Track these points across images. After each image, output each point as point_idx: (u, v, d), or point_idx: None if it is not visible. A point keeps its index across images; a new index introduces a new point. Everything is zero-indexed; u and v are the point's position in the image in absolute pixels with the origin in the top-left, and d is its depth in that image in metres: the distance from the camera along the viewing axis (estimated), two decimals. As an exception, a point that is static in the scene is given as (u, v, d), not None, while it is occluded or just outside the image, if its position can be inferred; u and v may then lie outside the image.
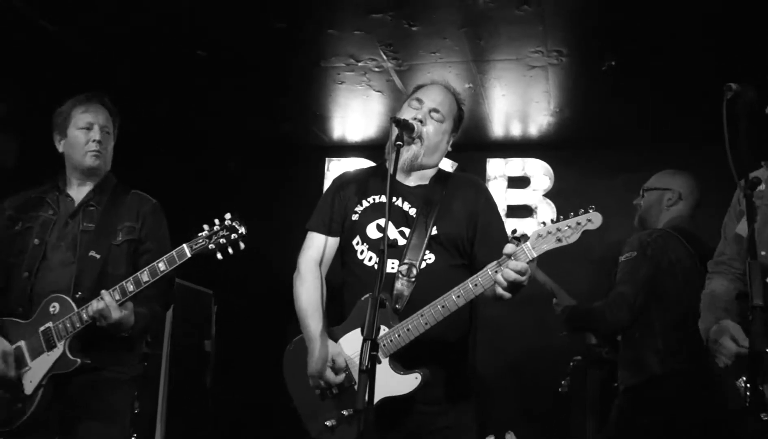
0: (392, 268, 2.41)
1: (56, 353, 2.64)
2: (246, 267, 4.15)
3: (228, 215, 2.61)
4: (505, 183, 5.29)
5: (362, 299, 2.40)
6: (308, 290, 2.54)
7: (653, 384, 3.07)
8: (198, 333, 5.17)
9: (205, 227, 2.61)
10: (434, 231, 2.45)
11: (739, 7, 3.39)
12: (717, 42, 3.70)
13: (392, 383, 2.26)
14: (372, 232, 2.51)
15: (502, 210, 5.03)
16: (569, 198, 5.16)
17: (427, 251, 2.44)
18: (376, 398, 2.05)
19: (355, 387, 2.21)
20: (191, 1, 3.63)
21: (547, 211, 5.18)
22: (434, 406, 2.37)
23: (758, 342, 1.80)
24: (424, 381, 2.25)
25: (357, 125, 5.30)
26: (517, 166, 5.32)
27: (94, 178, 2.92)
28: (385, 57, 4.17)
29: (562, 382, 4.37)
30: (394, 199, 2.53)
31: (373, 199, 2.57)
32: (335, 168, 5.58)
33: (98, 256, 2.76)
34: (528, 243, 2.15)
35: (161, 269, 2.62)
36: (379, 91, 4.66)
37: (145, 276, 2.62)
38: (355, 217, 2.56)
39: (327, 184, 5.48)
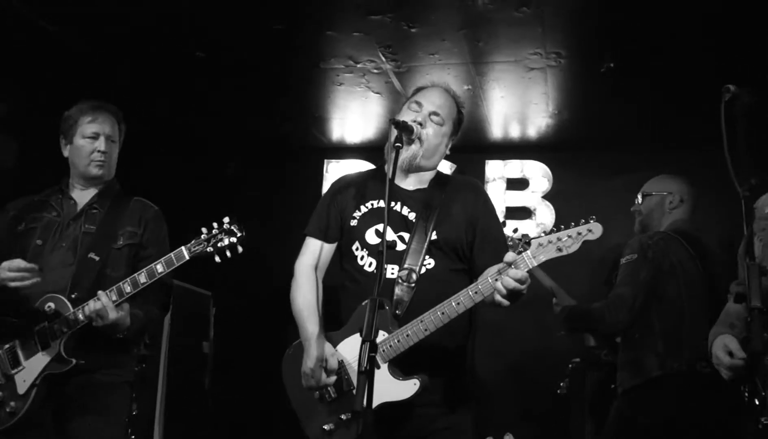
0: (392, 273, 2.41)
1: (51, 352, 2.65)
2: (245, 269, 4.13)
3: (227, 219, 2.62)
4: (504, 185, 5.29)
5: (362, 304, 2.39)
6: (304, 294, 2.55)
7: (652, 386, 3.08)
8: (196, 335, 5.16)
9: (204, 230, 2.62)
10: (434, 236, 2.45)
11: (739, 9, 3.39)
12: (716, 43, 3.70)
13: (391, 388, 2.26)
14: (371, 237, 2.50)
15: (500, 212, 5.05)
16: (568, 200, 5.16)
17: (427, 256, 2.44)
18: (375, 403, 2.06)
19: (354, 391, 2.22)
20: (191, 2, 3.63)
21: (545, 213, 5.18)
22: (432, 409, 2.37)
23: (756, 343, 1.80)
24: (422, 387, 2.26)
25: (356, 127, 5.30)
26: (515, 168, 5.32)
27: (96, 185, 2.95)
28: (384, 58, 4.18)
29: (561, 384, 4.37)
30: (393, 204, 2.52)
31: (372, 204, 2.56)
32: (334, 170, 5.57)
33: (97, 258, 2.77)
34: (528, 252, 2.17)
35: (159, 271, 2.63)
36: (378, 93, 4.66)
37: (142, 277, 2.63)
38: (353, 222, 2.55)
39: (326, 185, 5.49)
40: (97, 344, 2.70)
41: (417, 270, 2.40)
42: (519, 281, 2.12)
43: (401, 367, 2.30)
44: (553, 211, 5.16)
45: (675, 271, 3.16)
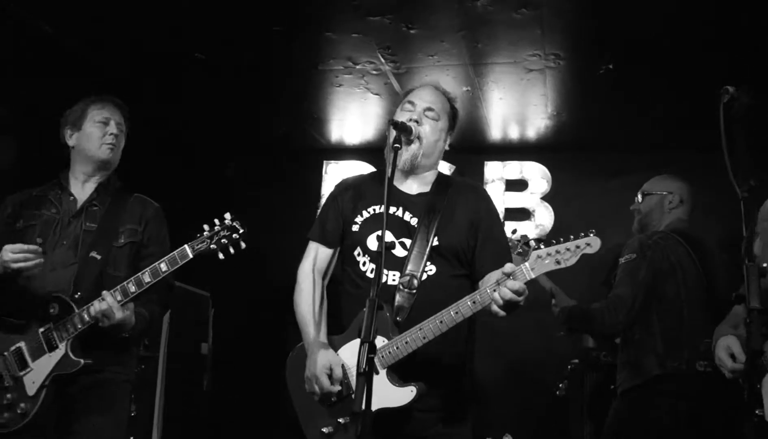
0: (393, 280, 2.42)
1: (58, 353, 2.64)
2: (244, 269, 4.14)
3: (228, 215, 2.63)
4: (503, 186, 5.29)
5: (364, 309, 2.40)
6: (307, 299, 2.55)
7: (652, 386, 3.08)
8: (195, 336, 5.15)
9: (206, 227, 2.63)
10: (435, 242, 2.45)
11: (738, 11, 3.40)
12: (715, 45, 3.71)
13: (389, 394, 2.27)
14: (372, 243, 2.50)
15: (499, 213, 5.04)
16: (567, 201, 5.17)
17: (428, 262, 2.44)
18: (373, 408, 2.07)
19: (353, 396, 2.22)
20: (190, 3, 3.63)
21: (544, 214, 5.18)
22: (431, 414, 2.37)
23: (755, 342, 1.82)
24: (419, 395, 2.27)
25: (355, 128, 5.30)
26: (514, 169, 5.32)
27: (101, 173, 2.94)
28: (383, 60, 4.18)
29: (560, 385, 4.37)
30: (395, 209, 2.53)
31: (374, 210, 2.56)
32: (333, 171, 5.58)
33: (99, 256, 2.77)
34: (527, 264, 2.19)
35: (163, 270, 2.64)
36: (377, 94, 4.66)
37: (147, 277, 2.64)
38: (355, 228, 2.56)
39: (325, 187, 5.50)
40: (102, 344, 2.70)
41: (418, 276, 2.40)
42: (516, 292, 2.13)
43: (400, 373, 2.30)
44: (552, 213, 5.17)
45: (674, 271, 3.16)
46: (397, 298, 2.38)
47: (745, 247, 1.97)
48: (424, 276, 2.42)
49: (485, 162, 5.36)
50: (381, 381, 2.27)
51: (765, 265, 1.95)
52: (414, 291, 2.39)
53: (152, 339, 4.58)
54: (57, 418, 2.68)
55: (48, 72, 4.28)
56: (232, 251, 2.61)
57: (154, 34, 3.97)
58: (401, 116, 2.55)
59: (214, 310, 5.31)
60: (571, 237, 2.19)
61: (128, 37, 4.01)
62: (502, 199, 5.23)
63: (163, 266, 2.64)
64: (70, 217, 2.84)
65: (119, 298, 2.61)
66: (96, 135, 2.89)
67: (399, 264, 2.43)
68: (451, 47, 3.98)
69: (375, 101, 4.77)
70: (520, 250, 3.52)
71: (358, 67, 4.28)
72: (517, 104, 4.71)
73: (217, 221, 2.63)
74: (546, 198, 5.22)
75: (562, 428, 4.53)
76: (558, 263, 2.17)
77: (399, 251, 2.46)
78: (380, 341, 2.29)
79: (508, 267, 2.17)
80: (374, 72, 4.34)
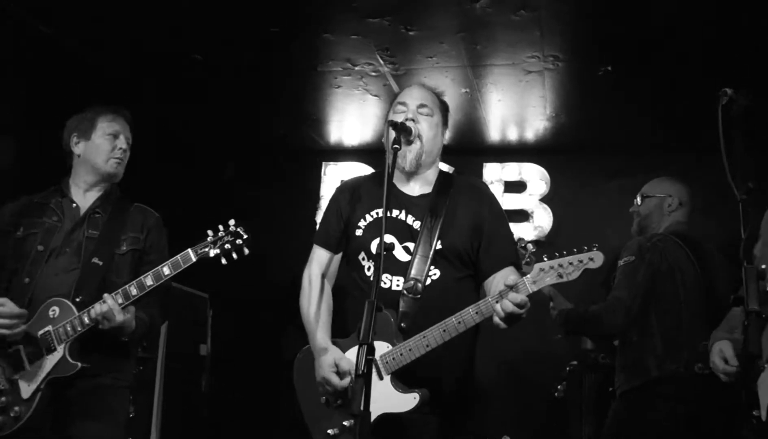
0: (398, 285, 2.42)
1: (56, 356, 2.64)
2: (242, 271, 4.13)
3: (232, 221, 2.65)
4: (502, 188, 5.29)
5: None
6: (312, 303, 2.56)
7: (650, 387, 3.08)
8: (194, 337, 5.15)
9: (210, 232, 2.64)
10: (438, 245, 2.45)
11: (738, 11, 3.40)
12: (714, 47, 3.71)
13: (392, 399, 2.28)
14: (376, 248, 2.49)
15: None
16: (566, 203, 5.17)
17: (432, 267, 2.44)
18: (376, 414, 2.08)
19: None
20: (188, 4, 3.63)
21: (543, 216, 5.18)
22: (432, 417, 2.38)
23: (752, 345, 1.82)
24: (422, 401, 2.28)
25: (354, 129, 5.30)
26: (513, 170, 5.32)
27: (105, 185, 2.94)
28: (381, 61, 4.18)
29: (559, 387, 4.37)
30: (397, 212, 2.53)
31: (376, 213, 2.56)
32: (332, 172, 5.57)
33: (101, 263, 2.76)
34: (529, 276, 2.21)
35: (166, 273, 2.64)
36: (375, 96, 4.66)
37: (149, 280, 2.64)
38: (358, 232, 2.56)
39: (324, 188, 5.50)
40: (101, 348, 2.69)
41: (422, 281, 2.40)
42: (518, 305, 2.15)
43: (404, 378, 2.31)
44: (551, 214, 5.17)
45: (673, 273, 3.17)
46: (402, 304, 2.39)
47: (744, 249, 1.97)
48: (428, 281, 2.43)
49: (484, 163, 5.35)
50: (385, 386, 2.29)
51: (764, 266, 1.95)
52: (418, 296, 2.39)
53: (151, 341, 4.57)
54: (53, 421, 2.67)
55: (48, 72, 4.28)
56: (235, 256, 2.63)
57: (153, 35, 3.97)
58: (396, 118, 2.55)
59: (213, 311, 5.30)
60: (575, 250, 2.20)
61: (128, 37, 4.00)
62: (500, 201, 5.20)
63: (166, 270, 2.65)
64: (73, 225, 2.84)
65: (120, 300, 2.61)
66: (105, 148, 2.89)
67: (403, 269, 2.43)
68: (449, 49, 3.98)
69: (374, 103, 4.77)
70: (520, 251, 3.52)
71: (356, 68, 4.28)
72: (515, 106, 4.71)
73: (221, 227, 2.64)
74: (544, 200, 5.22)
75: (561, 430, 4.53)
76: (560, 276, 2.20)
77: (403, 256, 2.47)
78: (385, 347, 2.31)
79: (511, 279, 2.20)
80: (373, 73, 4.34)
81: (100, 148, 2.89)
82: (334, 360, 2.36)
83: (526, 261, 3.47)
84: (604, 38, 3.77)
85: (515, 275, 2.26)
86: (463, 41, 3.89)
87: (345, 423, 2.36)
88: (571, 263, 2.19)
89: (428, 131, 2.55)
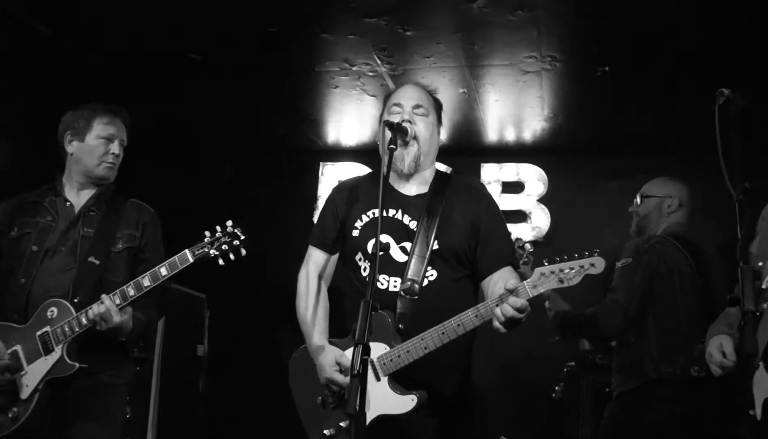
0: (395, 286, 2.41)
1: (54, 357, 2.64)
2: (239, 271, 4.13)
3: (230, 222, 2.64)
4: (500, 188, 5.28)
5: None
6: (308, 305, 2.55)
7: (647, 389, 3.07)
8: (191, 338, 5.14)
9: (207, 233, 2.63)
10: (435, 246, 2.44)
11: (738, 11, 3.39)
12: (714, 47, 3.71)
13: (390, 401, 2.28)
14: (372, 248, 2.49)
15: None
16: (563, 203, 5.17)
17: (429, 267, 2.43)
18: (373, 415, 2.07)
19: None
20: (188, 4, 3.62)
21: (541, 216, 5.18)
22: (430, 419, 2.37)
23: (749, 345, 1.82)
24: (420, 403, 2.27)
25: (351, 129, 5.30)
26: (511, 171, 5.31)
27: (97, 186, 2.93)
28: (379, 61, 4.18)
29: (556, 388, 4.37)
30: (394, 211, 2.52)
31: (373, 213, 2.55)
32: (330, 173, 5.57)
33: (97, 262, 2.76)
34: (530, 280, 2.20)
35: (163, 274, 2.64)
36: (373, 96, 4.66)
37: (146, 281, 2.63)
38: (355, 233, 2.55)
39: (321, 188, 5.49)
40: (99, 348, 2.69)
41: (419, 282, 2.39)
42: (518, 309, 2.14)
43: (401, 381, 2.30)
44: (549, 215, 5.17)
45: (671, 275, 3.16)
46: (399, 305, 2.38)
47: (740, 248, 1.97)
48: (426, 282, 2.42)
49: (481, 164, 5.34)
50: (382, 388, 2.28)
51: (761, 264, 1.95)
52: (416, 298, 2.38)
53: (148, 341, 4.57)
54: (51, 421, 2.66)
55: (47, 72, 4.28)
56: (232, 257, 2.62)
57: (153, 35, 3.96)
58: (392, 119, 2.53)
59: (210, 311, 5.30)
60: (576, 255, 2.19)
61: (128, 37, 4.00)
62: (498, 202, 5.18)
63: (163, 271, 2.64)
64: (68, 224, 2.83)
65: (118, 301, 2.61)
66: (98, 152, 2.87)
67: (400, 270, 2.42)
68: (447, 49, 3.98)
69: (371, 103, 4.76)
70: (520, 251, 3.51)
71: (354, 68, 4.27)
72: (513, 106, 4.71)
73: (218, 228, 2.63)
74: (542, 200, 5.22)
75: (559, 431, 4.53)
76: (561, 281, 2.18)
77: (399, 256, 2.45)
78: (382, 349, 2.30)
79: (511, 283, 2.19)
80: (370, 73, 4.34)
81: (94, 151, 2.87)
82: (335, 358, 2.34)
83: (523, 261, 3.46)
84: (602, 38, 3.77)
85: (514, 278, 2.24)
86: (461, 41, 3.88)
87: (341, 424, 2.35)
88: (572, 268, 2.17)
89: (425, 132, 2.54)
